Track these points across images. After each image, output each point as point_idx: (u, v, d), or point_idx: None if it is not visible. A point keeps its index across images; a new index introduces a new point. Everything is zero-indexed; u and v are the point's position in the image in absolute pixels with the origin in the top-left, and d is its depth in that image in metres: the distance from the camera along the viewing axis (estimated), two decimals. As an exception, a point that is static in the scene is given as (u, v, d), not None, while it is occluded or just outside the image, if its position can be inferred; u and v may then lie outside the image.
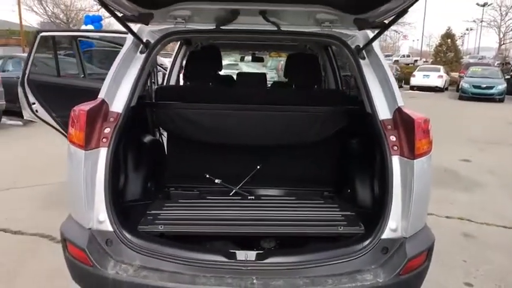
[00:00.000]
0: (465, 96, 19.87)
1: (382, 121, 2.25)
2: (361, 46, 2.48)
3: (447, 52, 35.49)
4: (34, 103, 3.82)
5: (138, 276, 1.94)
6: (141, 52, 2.45)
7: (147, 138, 3.02)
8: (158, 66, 5.50)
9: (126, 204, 2.44)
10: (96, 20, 18.42)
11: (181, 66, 4.47)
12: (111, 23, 31.57)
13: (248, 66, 14.64)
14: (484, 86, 19.67)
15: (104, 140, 2.13)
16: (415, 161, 2.04)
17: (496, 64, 33.77)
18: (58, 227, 3.86)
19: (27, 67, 3.74)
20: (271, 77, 15.07)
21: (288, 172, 3.09)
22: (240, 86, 3.55)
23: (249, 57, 7.93)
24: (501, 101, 19.38)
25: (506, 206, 4.97)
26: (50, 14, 30.65)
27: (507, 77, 21.99)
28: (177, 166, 3.13)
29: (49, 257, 3.45)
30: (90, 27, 17.24)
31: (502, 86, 19.73)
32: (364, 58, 2.48)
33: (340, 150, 3.06)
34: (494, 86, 19.61)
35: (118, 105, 2.26)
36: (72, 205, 2.19)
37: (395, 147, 2.14)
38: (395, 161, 2.12)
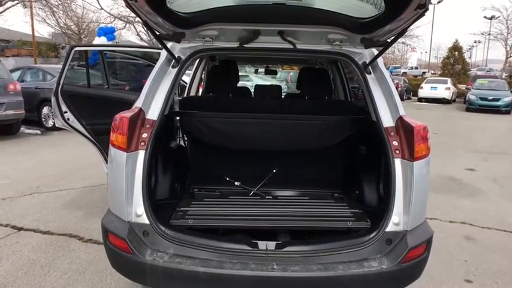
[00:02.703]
0: (472, 108, 20.07)
1: (386, 128, 2.54)
2: (367, 62, 2.78)
3: (454, 64, 35.71)
4: (66, 112, 4.14)
5: (173, 262, 2.22)
6: (173, 67, 2.77)
7: (174, 144, 3.34)
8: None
9: (157, 202, 2.74)
10: (109, 32, 18.85)
11: (200, 79, 4.81)
12: (121, 33, 32.21)
13: (258, 78, 15.02)
14: (491, 98, 19.86)
15: (142, 143, 2.43)
16: (414, 163, 2.33)
17: (503, 76, 33.91)
18: (85, 228, 4.25)
19: (61, 78, 4.07)
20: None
21: (301, 175, 3.37)
22: (257, 97, 3.89)
23: (261, 70, 8.35)
24: (507, 112, 19.54)
25: (507, 212, 5.20)
26: (62, 25, 31.20)
27: (514, 89, 22.19)
28: (199, 169, 3.43)
29: (80, 254, 3.74)
30: (103, 38, 17.70)
31: (508, 98, 19.92)
32: (370, 73, 2.78)
33: (348, 155, 3.35)
34: (500, 98, 19.80)
35: (153, 113, 2.57)
36: (113, 200, 2.48)
37: (398, 151, 2.43)
38: (398, 163, 2.40)
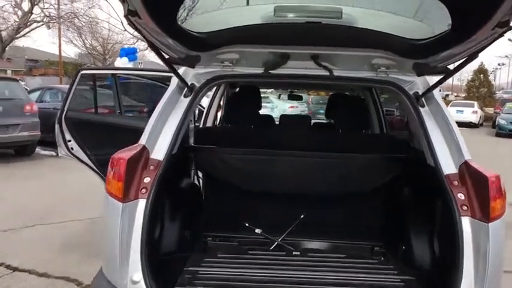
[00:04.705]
0: (502, 133, 19.22)
1: (447, 176, 2.03)
2: (420, 93, 2.29)
3: (480, 87, 34.81)
4: (70, 140, 3.78)
5: None
6: (185, 96, 2.34)
7: (185, 183, 2.87)
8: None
9: (161, 258, 2.27)
10: (131, 52, 18.91)
11: (219, 105, 4.39)
12: (145, 54, 32.70)
13: (280, 100, 14.60)
14: (523, 123, 18.98)
15: (143, 190, 1.98)
16: (490, 224, 1.80)
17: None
18: (85, 272, 3.77)
19: (66, 104, 3.72)
20: (302, 110, 15.03)
21: (333, 223, 2.87)
22: (282, 128, 3.38)
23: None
24: (541, 139, 18.55)
25: None
26: (88, 46, 32.05)
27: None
28: (215, 213, 2.96)
29: (76, 302, 3.29)
30: (125, 59, 17.73)
31: (541, 123, 18.98)
32: (423, 106, 2.29)
33: (392, 201, 2.82)
34: (532, 123, 18.91)
35: (159, 152, 2.14)
36: (106, 260, 2.03)
37: (465, 207, 1.91)
38: (466, 224, 1.88)
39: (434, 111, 2.26)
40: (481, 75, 35.41)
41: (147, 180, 2.01)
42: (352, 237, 2.82)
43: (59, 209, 5.69)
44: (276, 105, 14.58)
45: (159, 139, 2.17)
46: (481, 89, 34.85)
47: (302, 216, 2.81)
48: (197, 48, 2.18)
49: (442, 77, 2.15)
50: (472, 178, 1.94)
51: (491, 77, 45.36)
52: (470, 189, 1.94)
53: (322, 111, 13.40)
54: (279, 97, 10.04)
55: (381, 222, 2.85)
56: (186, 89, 2.34)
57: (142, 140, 2.12)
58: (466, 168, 2.00)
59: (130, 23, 1.70)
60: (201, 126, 4.10)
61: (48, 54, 37.00)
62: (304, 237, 2.84)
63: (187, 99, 2.30)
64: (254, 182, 2.75)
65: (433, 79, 2.36)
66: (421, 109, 2.26)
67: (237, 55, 2.29)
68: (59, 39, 27.33)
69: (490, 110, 26.81)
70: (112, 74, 4.81)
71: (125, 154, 1.98)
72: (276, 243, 2.70)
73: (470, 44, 1.75)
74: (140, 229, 1.91)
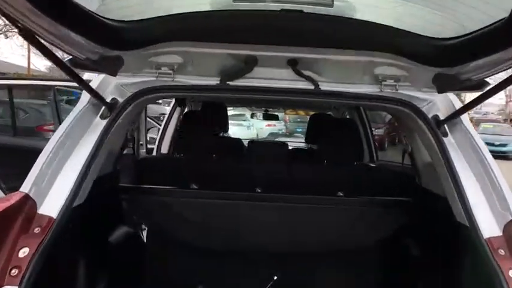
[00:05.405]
0: (477, 154, 19.21)
1: (489, 240, 1.36)
2: (443, 117, 1.63)
3: (452, 107, 35.52)
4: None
5: None
6: (103, 117, 1.59)
7: (115, 237, 2.08)
8: (150, 120, 4.66)
9: None
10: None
11: (177, 127, 3.62)
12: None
13: (255, 118, 13.93)
14: (498, 143, 18.96)
15: (14, 271, 1.22)
16: None
17: (502, 120, 33.59)
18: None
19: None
20: (279, 129, 14.40)
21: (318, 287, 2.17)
22: (252, 160, 2.61)
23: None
24: (516, 159, 18.63)
25: None
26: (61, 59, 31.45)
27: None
28: (158, 275, 2.21)
29: None
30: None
31: (515, 144, 19.16)
32: (446, 134, 1.62)
33: (395, 260, 2.13)
34: (507, 144, 18.94)
35: (53, 203, 1.38)
36: None
37: None
38: None
39: (461, 143, 1.59)
40: (454, 94, 36.11)
41: (23, 253, 1.25)
42: None
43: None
44: (252, 124, 13.89)
45: (56, 183, 1.42)
46: (453, 109, 35.46)
47: (275, 278, 2.11)
48: (117, 45, 1.43)
49: (479, 94, 1.47)
50: None
51: (462, 98, 46.50)
52: None
53: (300, 130, 12.86)
54: (251, 116, 9.26)
55: (383, 286, 2.15)
56: (103, 107, 1.59)
57: (25, 187, 1.36)
58: None
59: None
60: (154, 153, 3.36)
61: (16, 67, 35.93)
62: None
63: (105, 122, 1.56)
64: (211, 235, 2.04)
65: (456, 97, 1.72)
66: (445, 139, 1.59)
67: (180, 58, 1.56)
68: (28, 52, 26.25)
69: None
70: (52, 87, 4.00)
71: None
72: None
73: None
74: None
